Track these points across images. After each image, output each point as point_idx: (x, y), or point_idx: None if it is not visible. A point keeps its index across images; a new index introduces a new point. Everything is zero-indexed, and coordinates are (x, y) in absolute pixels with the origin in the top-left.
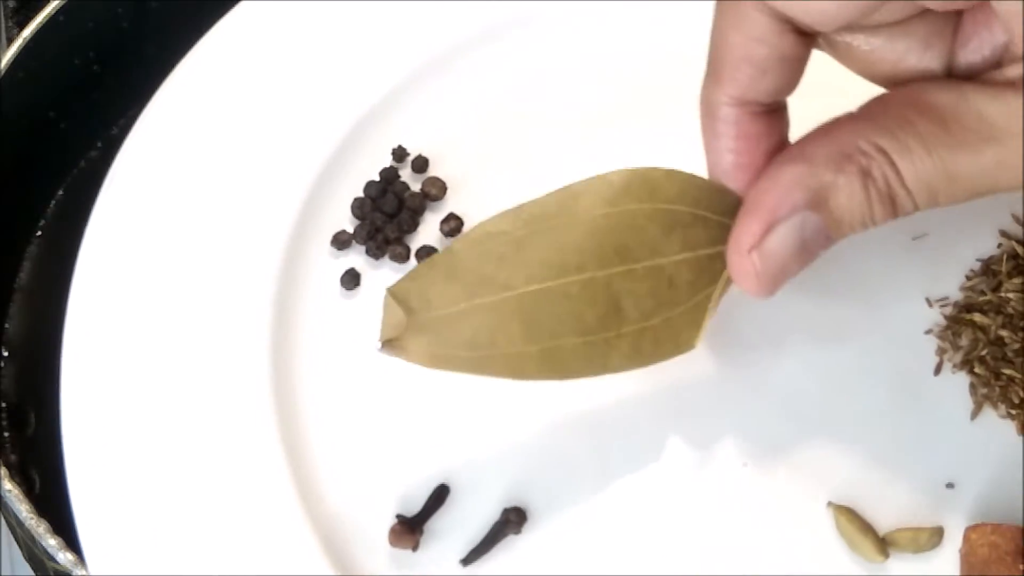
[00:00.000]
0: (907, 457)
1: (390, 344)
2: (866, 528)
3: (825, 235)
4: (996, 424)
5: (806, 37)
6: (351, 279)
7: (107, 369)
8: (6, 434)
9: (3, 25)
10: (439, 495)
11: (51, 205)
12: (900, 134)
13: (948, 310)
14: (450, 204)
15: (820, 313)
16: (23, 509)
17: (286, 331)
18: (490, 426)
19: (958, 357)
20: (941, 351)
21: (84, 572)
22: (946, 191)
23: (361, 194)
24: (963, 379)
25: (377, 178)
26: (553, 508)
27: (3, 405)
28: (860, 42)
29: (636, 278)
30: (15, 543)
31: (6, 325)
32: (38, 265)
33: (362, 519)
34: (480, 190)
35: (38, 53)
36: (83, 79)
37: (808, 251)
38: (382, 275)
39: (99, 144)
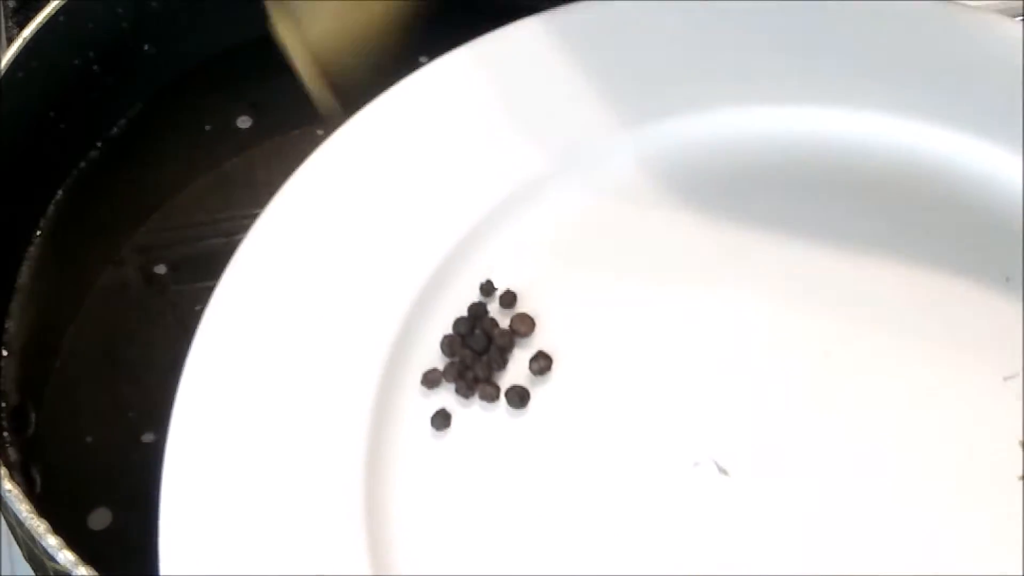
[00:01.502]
0: None
1: None
2: None
3: None
4: None
5: None
6: (442, 420)
7: (203, 508)
8: (6, 434)
9: (3, 25)
10: None
11: (51, 205)
12: None
13: None
14: (538, 340)
15: (910, 459)
16: (23, 509)
17: (379, 471)
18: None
19: None
20: None
21: (84, 572)
22: None
23: (450, 331)
24: None
25: (466, 314)
26: None
27: (3, 405)
28: None
29: None
30: (15, 543)
31: (6, 325)
32: (38, 265)
33: None
34: (569, 326)
35: (38, 53)
36: (83, 79)
37: None
38: (473, 414)
39: (99, 144)
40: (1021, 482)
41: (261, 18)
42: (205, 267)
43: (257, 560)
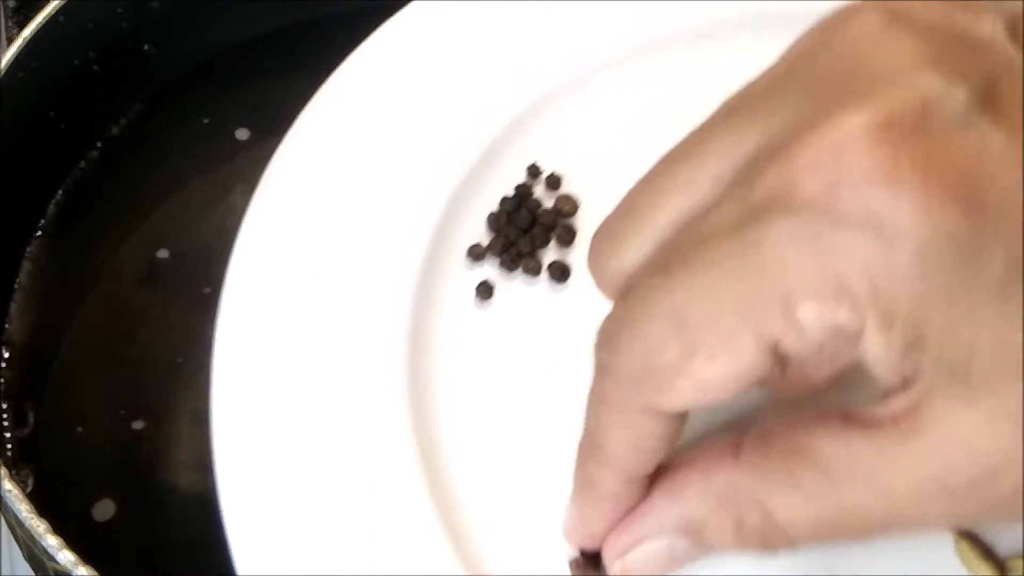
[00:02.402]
0: None
1: None
2: (986, 553)
3: (694, 553)
4: None
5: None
6: (485, 291)
7: (252, 372)
8: (7, 433)
9: (3, 25)
10: None
11: (51, 205)
12: (782, 486)
13: None
14: (581, 220)
15: None
16: (23, 509)
17: (422, 339)
18: None
19: None
20: None
21: (84, 572)
22: (831, 532)
23: (497, 208)
24: None
25: (512, 194)
26: None
27: (3, 404)
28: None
29: None
30: (15, 543)
31: (6, 325)
32: (38, 265)
33: (496, 527)
34: (609, 206)
35: (38, 53)
36: (83, 79)
37: (676, 562)
38: (515, 287)
39: (99, 144)
40: None
41: (261, 18)
42: (205, 266)
43: (298, 424)
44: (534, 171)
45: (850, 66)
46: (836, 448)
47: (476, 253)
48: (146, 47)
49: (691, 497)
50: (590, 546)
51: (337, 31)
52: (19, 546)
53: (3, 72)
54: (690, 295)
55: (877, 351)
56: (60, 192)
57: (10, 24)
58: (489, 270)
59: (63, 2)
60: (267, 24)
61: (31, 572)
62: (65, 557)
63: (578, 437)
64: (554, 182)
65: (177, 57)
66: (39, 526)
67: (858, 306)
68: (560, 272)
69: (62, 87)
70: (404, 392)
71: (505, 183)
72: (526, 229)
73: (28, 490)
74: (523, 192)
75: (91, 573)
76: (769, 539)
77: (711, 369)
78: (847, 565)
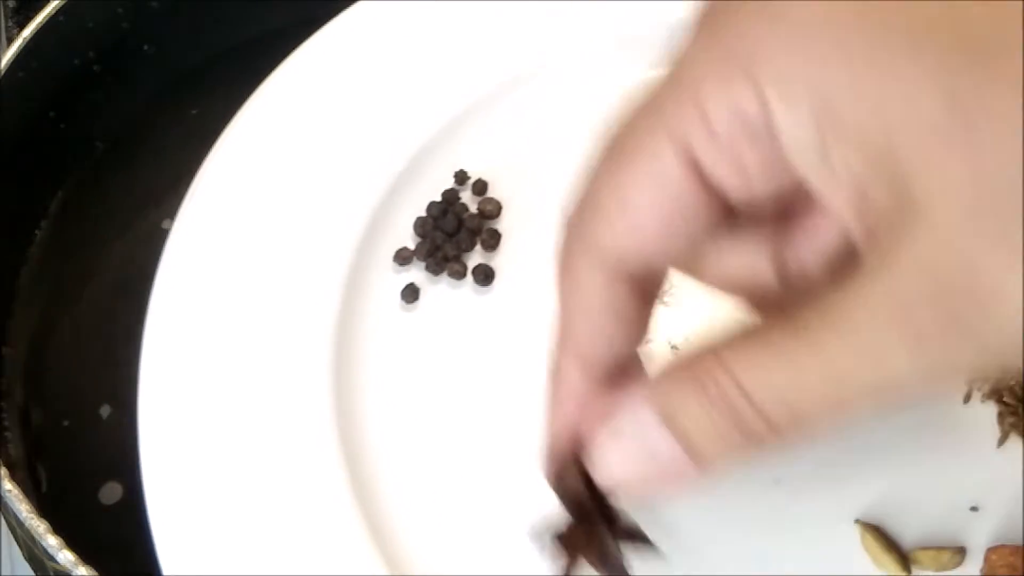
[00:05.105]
0: (934, 480)
1: None
2: (891, 545)
3: (676, 459)
4: (1020, 452)
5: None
6: (411, 293)
7: (178, 372)
8: (8, 433)
9: (3, 25)
10: None
11: (51, 205)
12: (759, 358)
13: None
14: (504, 222)
15: None
16: (23, 509)
17: (349, 341)
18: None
19: (987, 387)
20: (971, 381)
21: (84, 572)
22: (815, 404)
23: (424, 213)
24: (991, 408)
25: (439, 199)
26: None
27: (3, 404)
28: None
29: None
30: (15, 543)
31: (8, 323)
32: (38, 265)
33: (420, 527)
34: (534, 212)
35: (38, 53)
36: (83, 79)
37: (655, 466)
38: (440, 290)
39: (99, 144)
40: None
41: (261, 18)
42: None
43: (224, 426)
44: (461, 177)
45: None
46: (812, 310)
47: (403, 257)
48: (146, 47)
49: (663, 379)
50: (559, 457)
51: None
52: (19, 546)
53: (3, 72)
54: (621, 127)
55: (788, 126)
56: (60, 192)
57: (10, 24)
58: (416, 273)
59: (63, 2)
60: (267, 24)
61: (31, 572)
62: (65, 557)
63: (500, 436)
64: (480, 188)
65: (177, 57)
66: (39, 526)
67: (753, 78)
68: (484, 276)
69: (62, 87)
70: (330, 392)
71: (433, 189)
72: (452, 233)
73: (41, 486)
74: (450, 197)
75: (91, 573)
76: (747, 424)
77: (633, 182)
78: (759, 557)
